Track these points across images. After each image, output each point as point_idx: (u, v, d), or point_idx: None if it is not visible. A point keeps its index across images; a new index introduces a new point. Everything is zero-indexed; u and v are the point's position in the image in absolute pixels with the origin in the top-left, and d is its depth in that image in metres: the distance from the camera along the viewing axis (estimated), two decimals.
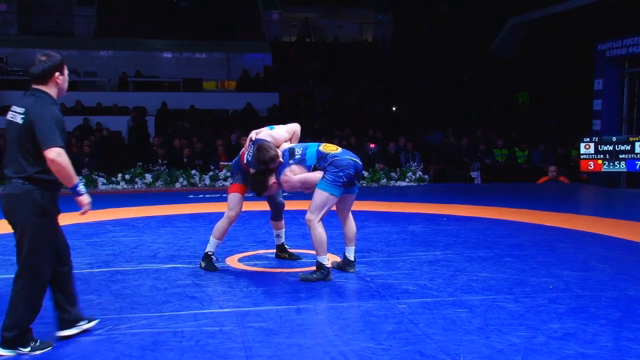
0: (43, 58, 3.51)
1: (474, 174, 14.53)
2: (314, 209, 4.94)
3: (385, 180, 13.81)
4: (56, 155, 3.32)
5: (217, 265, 5.53)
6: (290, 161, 4.98)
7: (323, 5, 25.22)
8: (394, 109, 19.77)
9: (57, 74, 3.55)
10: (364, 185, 13.61)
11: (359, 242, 6.69)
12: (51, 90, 3.54)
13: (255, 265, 5.64)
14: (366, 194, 11.76)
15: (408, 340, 3.63)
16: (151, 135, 16.37)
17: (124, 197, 11.36)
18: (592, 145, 12.68)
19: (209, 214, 8.48)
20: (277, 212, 5.75)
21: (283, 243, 5.91)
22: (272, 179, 5.02)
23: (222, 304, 4.41)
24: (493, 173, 14.70)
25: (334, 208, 5.16)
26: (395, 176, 13.94)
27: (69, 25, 22.41)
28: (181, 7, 24.47)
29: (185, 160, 13.89)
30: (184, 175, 13.22)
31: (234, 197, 5.35)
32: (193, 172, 13.32)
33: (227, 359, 3.36)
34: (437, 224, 7.93)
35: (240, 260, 5.85)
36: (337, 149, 5.05)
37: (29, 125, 3.36)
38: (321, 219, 4.95)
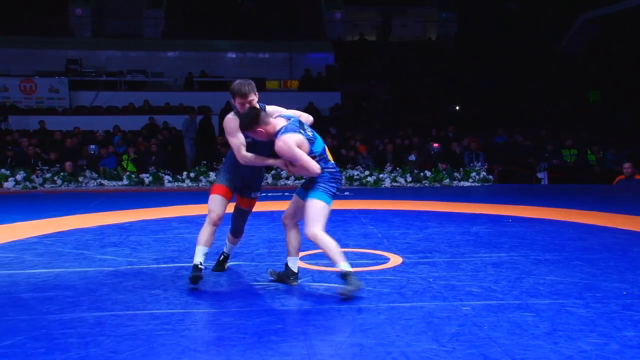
0: None
1: (541, 175, 14.15)
2: (312, 223, 4.52)
3: (448, 180, 13.62)
4: None
5: (278, 264, 5.56)
6: (301, 130, 4.57)
7: (385, 4, 25.08)
8: (457, 108, 19.47)
9: None
10: (427, 184, 13.47)
11: (421, 242, 6.63)
12: None
13: (317, 263, 5.65)
14: (428, 194, 11.63)
15: (472, 343, 3.56)
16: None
17: (188, 195, 11.63)
18: None
19: (271, 213, 8.57)
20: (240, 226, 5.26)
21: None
22: (261, 127, 4.51)
23: (284, 302, 4.44)
24: (561, 174, 14.28)
25: (289, 211, 4.85)
26: (459, 176, 13.73)
27: (138, 27, 23.10)
28: (245, 8, 24.81)
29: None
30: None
31: (214, 198, 4.85)
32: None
33: (289, 356, 3.38)
34: (502, 226, 7.76)
35: (302, 258, 5.87)
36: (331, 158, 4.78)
37: None
38: (323, 230, 4.59)
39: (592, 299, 4.44)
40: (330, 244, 4.50)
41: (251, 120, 4.50)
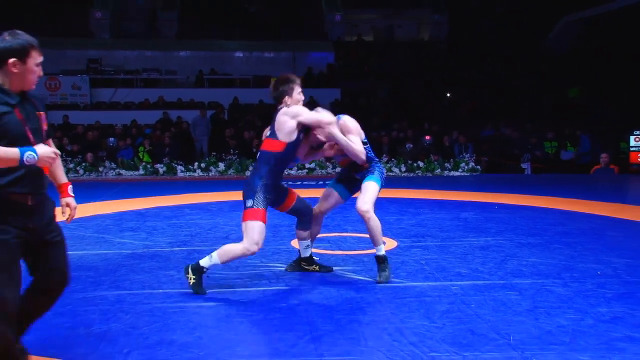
0: (7, 37, 2.65)
1: (524, 165, 14.14)
2: (370, 200, 4.33)
3: (439, 170, 13.62)
4: None
5: (283, 247, 5.58)
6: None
7: (382, 7, 24.95)
8: (446, 103, 19.42)
9: (10, 60, 2.62)
10: (420, 174, 13.46)
11: (415, 227, 6.65)
12: (3, 77, 2.65)
13: (318, 247, 5.67)
14: (421, 183, 11.63)
15: (460, 319, 3.58)
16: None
17: (199, 184, 11.64)
18: None
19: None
20: (303, 218, 4.57)
21: (311, 254, 4.74)
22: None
23: (287, 282, 4.46)
24: (543, 164, 14.27)
25: (327, 203, 4.63)
26: (449, 166, 13.73)
27: (153, 29, 23.03)
28: (251, 11, 24.73)
29: (254, 150, 14.07)
30: (253, 164, 13.40)
31: (259, 227, 4.03)
32: None
33: (292, 332, 3.41)
34: (489, 212, 7.77)
35: None
36: None
37: None
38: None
39: (570, 278, 4.46)
40: (378, 225, 4.34)
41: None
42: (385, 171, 4.73)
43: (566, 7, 20.31)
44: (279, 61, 21.84)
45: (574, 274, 4.60)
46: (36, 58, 2.72)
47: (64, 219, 2.96)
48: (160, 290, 4.25)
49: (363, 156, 4.36)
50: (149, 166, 13.43)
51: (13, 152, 2.49)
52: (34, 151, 2.54)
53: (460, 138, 14.86)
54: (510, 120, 16.59)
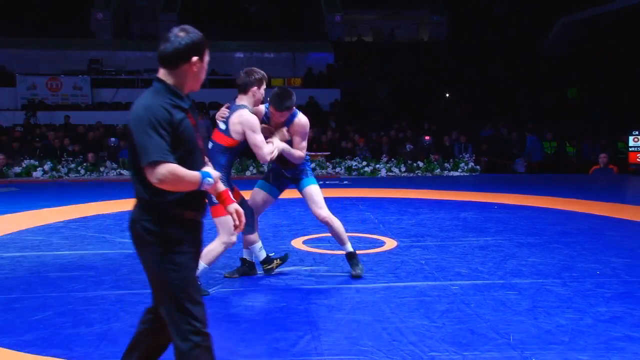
0: (181, 34, 2.30)
1: (519, 168, 14.11)
2: (323, 205, 4.43)
3: (439, 170, 13.61)
4: (158, 175, 2.14)
5: (283, 246, 5.58)
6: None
7: (382, 7, 24.95)
8: (446, 103, 19.42)
9: (194, 58, 2.29)
10: (419, 174, 13.45)
11: (414, 227, 6.64)
12: (179, 79, 2.31)
13: (318, 247, 5.67)
14: (421, 183, 11.63)
15: (460, 319, 3.57)
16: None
17: None
18: None
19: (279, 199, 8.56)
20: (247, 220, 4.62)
21: (267, 255, 4.65)
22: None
23: (288, 282, 4.46)
24: (542, 164, 14.26)
25: (258, 204, 4.56)
26: (449, 166, 13.72)
27: (153, 29, 23.02)
28: (251, 12, 24.73)
29: None
30: (253, 164, 13.40)
31: (230, 219, 4.32)
32: None
33: (293, 331, 3.40)
34: (488, 212, 7.77)
35: (304, 242, 5.89)
36: None
37: (128, 131, 2.25)
38: None
39: (569, 278, 4.46)
40: (341, 226, 4.49)
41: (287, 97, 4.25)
42: (311, 165, 4.71)
43: (565, 7, 20.31)
44: (279, 62, 21.83)
45: (573, 273, 4.60)
46: (208, 55, 2.38)
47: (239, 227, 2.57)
48: None
49: (301, 160, 4.43)
50: None
51: (196, 176, 2.24)
52: (211, 177, 2.29)
53: (460, 138, 14.86)
54: (509, 120, 16.58)
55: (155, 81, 2.32)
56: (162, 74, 2.31)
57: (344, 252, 4.61)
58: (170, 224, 2.27)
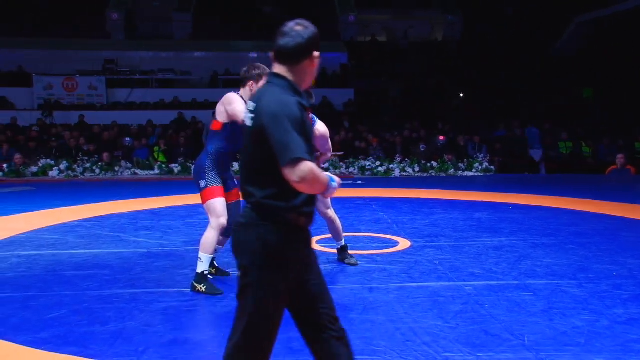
0: (298, 28, 2.25)
1: (536, 156, 14.12)
2: (329, 205, 4.96)
3: (453, 170, 13.54)
4: (300, 173, 2.01)
5: None
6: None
7: (395, 7, 24.89)
8: (459, 103, 19.32)
9: (316, 53, 2.23)
10: (433, 174, 13.40)
11: (428, 227, 6.61)
12: (299, 75, 2.21)
13: (332, 247, 5.66)
14: (435, 183, 11.58)
15: (474, 320, 3.55)
16: None
17: None
18: None
19: None
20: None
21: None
22: None
23: None
24: (557, 164, 14.15)
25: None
26: (463, 167, 13.65)
27: (168, 29, 23.15)
28: (265, 12, 24.78)
29: None
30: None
31: (220, 203, 4.18)
32: None
33: None
34: (502, 212, 7.71)
35: (318, 242, 5.88)
36: None
37: (259, 129, 2.12)
38: None
39: (585, 279, 4.41)
40: (340, 225, 5.06)
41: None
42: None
43: (577, 7, 20.13)
44: None
45: (589, 274, 4.55)
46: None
47: None
48: (175, 289, 4.26)
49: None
50: (164, 166, 13.49)
51: (326, 179, 2.13)
52: (334, 181, 2.19)
53: (475, 138, 14.79)
54: (522, 120, 16.46)
55: (274, 77, 2.21)
56: (281, 70, 2.20)
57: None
58: (288, 233, 2.15)
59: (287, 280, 2.17)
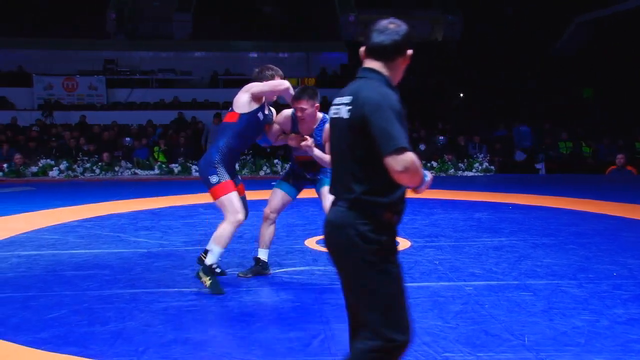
0: (392, 26, 2.25)
1: (538, 165, 14.03)
2: None
3: (453, 170, 13.55)
4: (403, 163, 1.98)
5: (297, 246, 5.57)
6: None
7: (396, 7, 24.88)
8: (459, 103, 19.32)
9: (409, 51, 2.25)
10: (433, 174, 13.39)
11: (428, 227, 6.61)
12: (393, 72, 2.23)
13: None
14: (435, 183, 11.54)
15: (474, 320, 3.55)
16: None
17: None
18: None
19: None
20: None
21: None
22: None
23: (302, 282, 4.46)
24: (557, 164, 14.15)
25: (277, 206, 4.57)
26: (463, 166, 13.65)
27: (168, 29, 23.14)
28: (265, 12, 24.77)
29: (268, 150, 14.09)
30: (267, 164, 13.42)
31: (235, 197, 4.13)
32: (276, 161, 13.51)
33: (306, 331, 3.40)
34: (502, 212, 7.71)
35: (318, 242, 5.88)
36: None
37: (359, 120, 2.08)
38: None
39: (585, 279, 4.41)
40: None
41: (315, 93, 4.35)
42: None
43: (577, 8, 20.13)
44: (292, 61, 21.85)
45: (589, 274, 4.55)
46: None
47: None
48: (175, 289, 4.26)
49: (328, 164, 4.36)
50: (164, 166, 13.50)
51: (422, 172, 2.10)
52: (427, 176, 2.19)
53: (475, 138, 14.80)
54: (522, 120, 16.46)
55: (370, 72, 2.20)
56: (375, 65, 2.20)
57: None
58: (383, 230, 2.12)
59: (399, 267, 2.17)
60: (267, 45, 22.17)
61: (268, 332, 3.42)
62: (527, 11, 22.63)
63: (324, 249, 5.45)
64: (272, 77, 4.24)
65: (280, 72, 4.36)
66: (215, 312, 3.76)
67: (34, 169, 12.99)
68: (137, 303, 3.94)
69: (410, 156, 1.99)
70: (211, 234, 6.26)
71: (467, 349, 3.10)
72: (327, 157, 4.39)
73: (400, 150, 1.98)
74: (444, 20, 24.46)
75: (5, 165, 12.83)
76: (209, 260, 4.10)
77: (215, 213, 7.73)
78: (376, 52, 2.19)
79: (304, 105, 4.32)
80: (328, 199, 4.45)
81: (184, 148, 14.20)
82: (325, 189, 4.45)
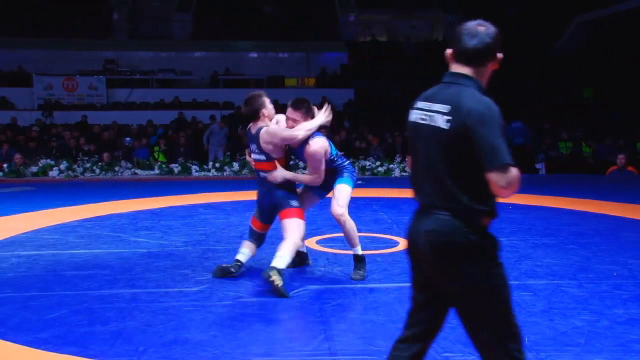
0: (482, 28, 2.16)
1: (538, 165, 14.02)
2: (344, 204, 4.41)
3: None
4: (509, 179, 1.98)
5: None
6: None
7: (395, 7, 24.90)
8: None
9: (499, 55, 2.18)
10: None
11: None
12: (483, 77, 2.16)
13: (331, 247, 5.67)
14: None
15: None
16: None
17: (214, 183, 11.67)
18: None
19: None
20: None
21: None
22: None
23: (302, 282, 4.46)
24: (558, 165, 14.15)
25: (303, 203, 4.61)
26: None
27: (168, 29, 23.16)
28: (265, 12, 24.79)
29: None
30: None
31: (303, 225, 4.42)
32: None
33: (307, 332, 3.40)
34: (502, 212, 7.65)
35: (318, 242, 5.88)
36: None
37: (461, 131, 2.01)
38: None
39: (585, 279, 4.42)
40: (354, 228, 4.48)
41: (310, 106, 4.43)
42: (356, 171, 4.85)
43: (577, 8, 20.13)
44: (292, 61, 21.87)
45: (590, 274, 4.55)
46: None
47: None
48: (175, 289, 4.26)
49: (319, 182, 4.44)
50: (164, 166, 13.49)
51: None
52: None
53: None
54: (523, 120, 16.46)
55: (462, 77, 2.12)
56: (466, 70, 2.12)
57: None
58: (486, 236, 2.13)
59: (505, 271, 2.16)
60: (267, 45, 22.19)
61: (268, 333, 3.42)
62: (527, 11, 22.64)
63: (323, 249, 5.47)
64: (263, 101, 4.38)
65: (265, 94, 4.49)
66: (216, 312, 3.76)
67: (34, 169, 12.99)
68: (137, 303, 3.94)
69: (515, 173, 1.96)
70: (211, 233, 6.30)
71: (467, 349, 3.09)
72: (301, 177, 4.48)
73: (506, 167, 1.95)
74: (444, 20, 24.48)
75: (5, 165, 12.83)
76: (282, 264, 4.13)
77: (216, 213, 7.74)
78: (468, 57, 2.11)
79: (298, 117, 4.38)
80: (337, 197, 4.45)
81: (184, 148, 14.20)
82: (339, 186, 4.50)
